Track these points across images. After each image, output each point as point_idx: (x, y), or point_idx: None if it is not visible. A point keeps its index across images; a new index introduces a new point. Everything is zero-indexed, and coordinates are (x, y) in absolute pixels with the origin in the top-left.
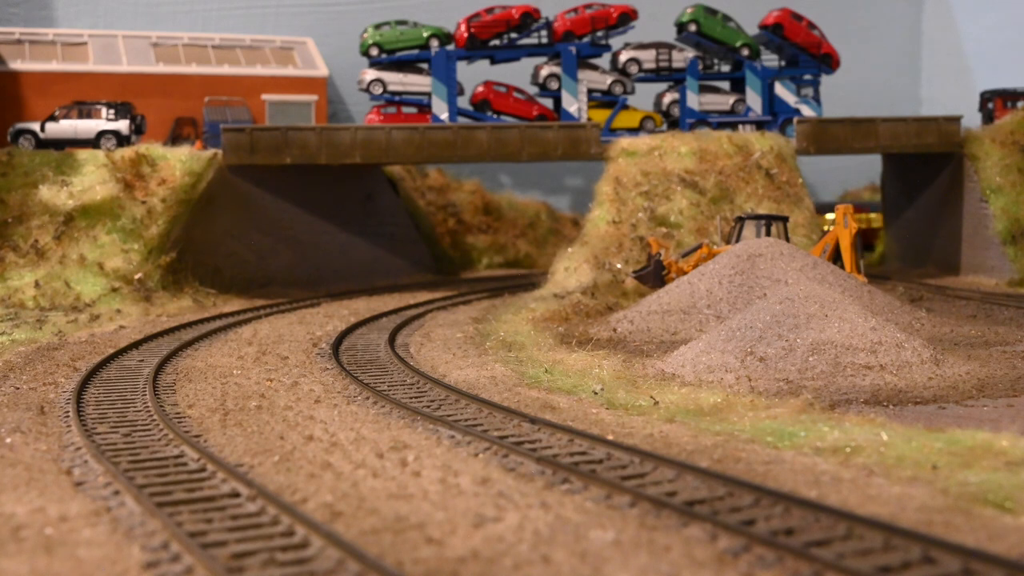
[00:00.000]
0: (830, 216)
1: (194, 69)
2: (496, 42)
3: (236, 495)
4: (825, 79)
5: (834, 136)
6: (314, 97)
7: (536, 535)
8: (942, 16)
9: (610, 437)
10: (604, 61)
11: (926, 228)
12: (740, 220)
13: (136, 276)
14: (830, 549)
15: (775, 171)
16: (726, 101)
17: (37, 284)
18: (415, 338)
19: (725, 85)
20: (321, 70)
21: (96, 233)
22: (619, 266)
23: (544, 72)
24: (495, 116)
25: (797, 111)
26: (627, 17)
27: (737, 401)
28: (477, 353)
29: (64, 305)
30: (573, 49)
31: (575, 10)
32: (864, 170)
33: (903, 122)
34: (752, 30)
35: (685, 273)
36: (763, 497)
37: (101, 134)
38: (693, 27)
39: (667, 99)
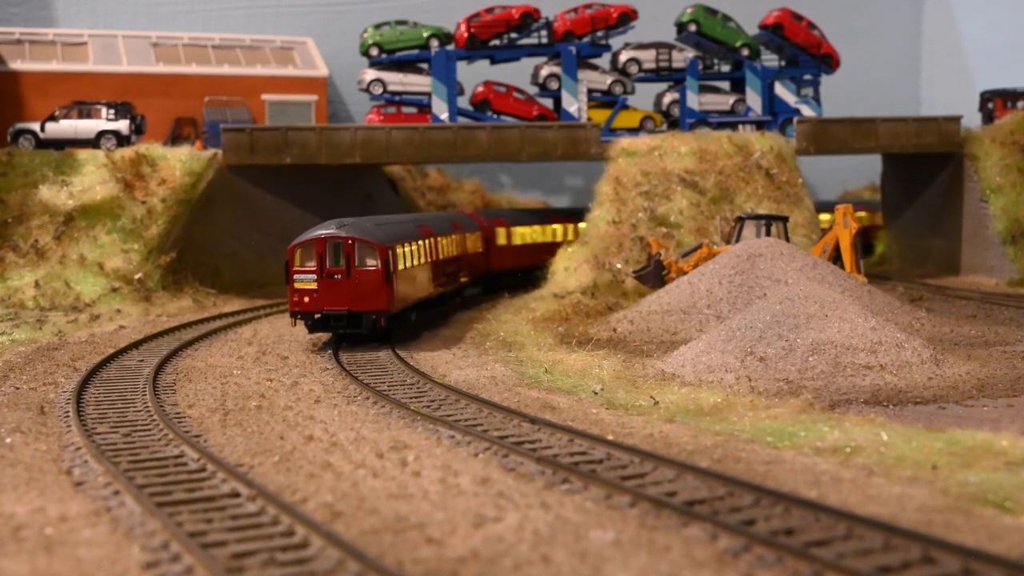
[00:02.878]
0: (825, 216)
1: (194, 69)
2: (496, 42)
3: (236, 495)
4: (825, 79)
5: (834, 136)
6: (314, 97)
7: (536, 535)
8: (942, 16)
9: (610, 437)
10: (604, 61)
11: (926, 228)
12: (740, 220)
13: (136, 276)
14: (830, 549)
15: (775, 171)
16: (726, 101)
17: (37, 284)
18: (415, 338)
19: (725, 85)
20: (321, 70)
21: (96, 233)
22: (619, 266)
23: (544, 72)
24: (495, 116)
25: (797, 111)
26: (627, 17)
27: (737, 401)
28: (477, 353)
29: (64, 305)
30: (573, 49)
31: (575, 10)
32: (864, 170)
33: (903, 122)
34: (752, 30)
35: (685, 273)
36: (763, 497)
37: (101, 134)
38: (693, 27)
39: (667, 99)
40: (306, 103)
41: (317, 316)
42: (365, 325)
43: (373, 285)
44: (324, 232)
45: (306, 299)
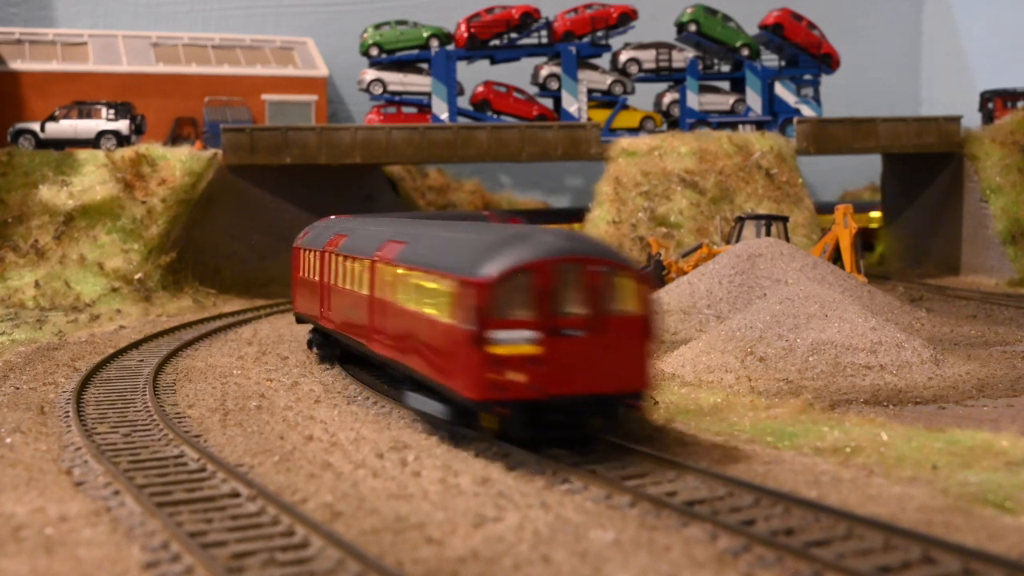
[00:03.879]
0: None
1: (194, 69)
2: (496, 42)
3: (236, 495)
4: (825, 79)
5: (834, 136)
6: (314, 97)
7: (536, 535)
8: (942, 16)
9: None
10: (604, 61)
11: (926, 228)
12: (740, 220)
13: (136, 276)
14: (830, 549)
15: (775, 171)
16: (726, 101)
17: (37, 284)
18: None
19: (725, 85)
20: (321, 70)
21: (96, 233)
22: None
23: (544, 72)
24: (495, 116)
25: (797, 111)
26: (627, 17)
27: (737, 401)
28: None
29: (64, 305)
30: (573, 49)
31: (575, 10)
32: (864, 170)
33: (903, 122)
34: (752, 30)
35: (685, 273)
36: (763, 497)
37: (101, 134)
38: (693, 27)
39: (667, 99)
40: (306, 103)
41: (534, 407)
42: (611, 416)
43: (632, 346)
44: (547, 250)
45: (517, 377)
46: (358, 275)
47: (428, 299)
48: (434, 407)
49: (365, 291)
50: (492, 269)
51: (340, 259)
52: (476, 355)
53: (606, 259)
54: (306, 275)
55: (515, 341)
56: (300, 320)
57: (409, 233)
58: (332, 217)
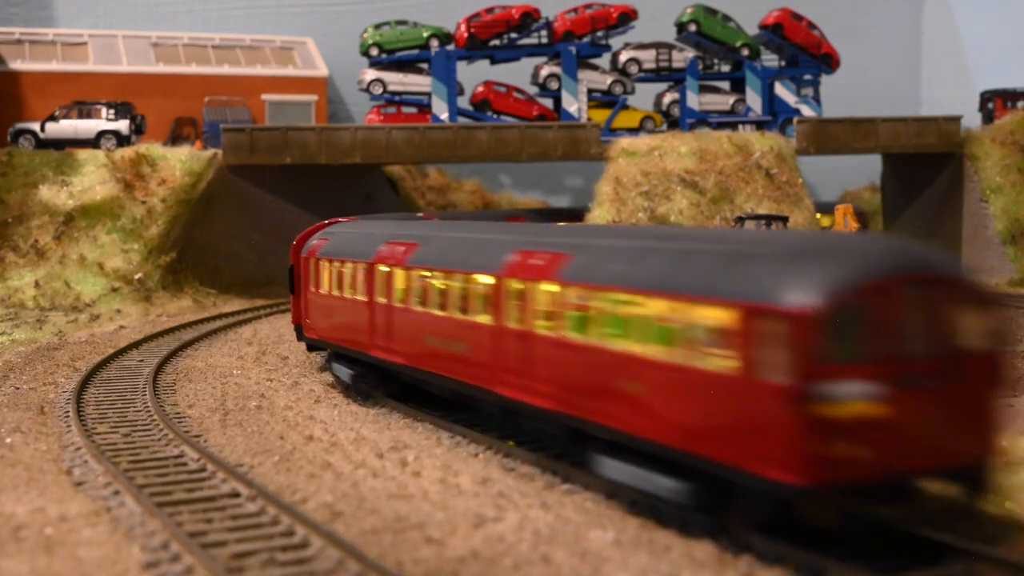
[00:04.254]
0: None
1: (194, 69)
2: (496, 42)
3: (236, 495)
4: (825, 79)
5: (834, 136)
6: (314, 97)
7: (536, 535)
8: (942, 16)
9: None
10: (604, 61)
11: (926, 228)
12: (740, 220)
13: (136, 276)
14: (830, 549)
15: (775, 171)
16: (726, 101)
17: (37, 284)
18: None
19: (725, 85)
20: (321, 70)
21: (96, 233)
22: None
23: (544, 72)
24: (495, 116)
25: (797, 111)
26: (627, 17)
27: None
28: None
29: (64, 305)
30: (573, 49)
31: (575, 10)
32: (864, 170)
33: (903, 122)
34: (752, 30)
35: None
36: None
37: (101, 134)
38: (693, 27)
39: (667, 99)
40: (306, 103)
41: (879, 490)
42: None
43: (982, 397)
44: (882, 264)
45: (858, 449)
46: (460, 296)
47: (659, 334)
48: (662, 486)
49: (481, 319)
50: (813, 293)
51: (416, 275)
52: (796, 419)
53: (957, 276)
54: (334, 292)
55: (855, 397)
56: (314, 347)
57: (558, 242)
58: (327, 222)
